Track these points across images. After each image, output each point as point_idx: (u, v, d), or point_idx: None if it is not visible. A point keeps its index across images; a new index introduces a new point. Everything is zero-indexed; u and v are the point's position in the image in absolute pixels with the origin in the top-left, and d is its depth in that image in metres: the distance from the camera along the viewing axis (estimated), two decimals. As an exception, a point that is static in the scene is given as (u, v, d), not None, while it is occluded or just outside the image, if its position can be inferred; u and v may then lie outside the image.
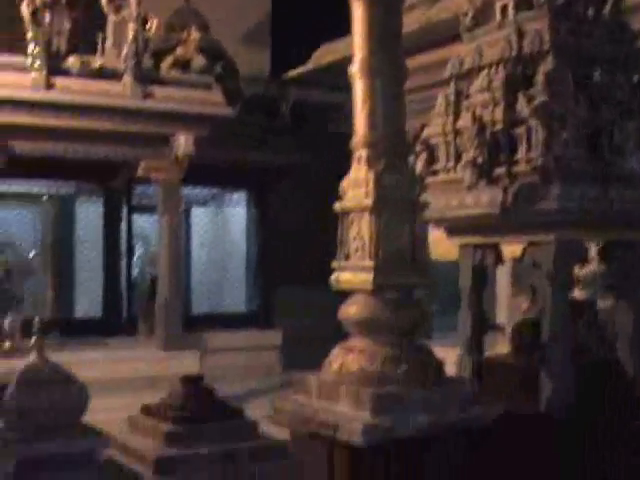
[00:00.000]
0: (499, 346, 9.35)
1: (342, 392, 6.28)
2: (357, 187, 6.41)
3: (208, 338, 14.58)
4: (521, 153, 7.03)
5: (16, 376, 5.25)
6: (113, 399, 10.53)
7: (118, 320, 15.03)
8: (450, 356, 7.49)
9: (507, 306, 12.87)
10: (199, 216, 17.38)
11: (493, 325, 12.03)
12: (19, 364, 5.37)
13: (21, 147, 12.24)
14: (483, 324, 8.06)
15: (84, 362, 10.35)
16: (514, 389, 7.36)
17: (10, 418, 5.23)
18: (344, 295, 6.67)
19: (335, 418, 6.14)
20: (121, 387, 11.83)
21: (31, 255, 16.31)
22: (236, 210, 17.10)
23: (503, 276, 12.77)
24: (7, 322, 12.36)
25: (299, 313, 15.74)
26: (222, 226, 17.39)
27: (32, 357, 5.35)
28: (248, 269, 16.86)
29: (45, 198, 16.29)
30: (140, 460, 5.55)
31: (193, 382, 5.91)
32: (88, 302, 15.58)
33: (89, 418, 5.37)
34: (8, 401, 5.20)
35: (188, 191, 15.47)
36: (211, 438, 5.61)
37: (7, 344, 12.06)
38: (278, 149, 15.32)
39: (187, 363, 12.03)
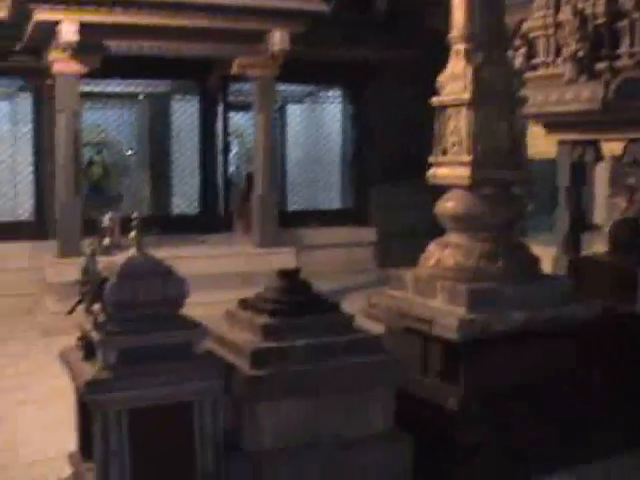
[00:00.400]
0: (596, 246, 9.23)
1: (438, 287, 6.31)
2: (455, 81, 6.33)
3: (303, 235, 14.69)
4: (624, 47, 6.86)
5: (116, 270, 5.33)
6: (210, 295, 10.72)
7: (214, 217, 15.20)
8: (546, 255, 7.43)
9: (605, 205, 12.67)
10: (294, 113, 17.34)
11: (590, 225, 11.89)
12: (119, 259, 5.45)
13: (117, 46, 12.28)
14: (580, 223, 7.98)
15: (182, 258, 10.51)
16: (610, 288, 7.30)
17: (111, 311, 5.32)
18: (440, 191, 6.65)
19: (430, 313, 6.17)
20: (218, 283, 12.00)
21: (128, 154, 16.52)
22: (331, 107, 17.01)
23: (602, 174, 12.56)
24: (106, 219, 12.58)
25: (394, 210, 15.69)
26: (317, 123, 17.33)
27: (131, 252, 5.43)
28: (343, 166, 16.84)
29: (141, 97, 16.41)
30: (237, 353, 5.62)
31: (290, 275, 5.91)
32: (185, 199, 15.75)
33: (187, 312, 5.45)
34: (109, 294, 5.28)
35: (284, 88, 15.44)
36: (307, 331, 5.63)
37: (106, 241, 12.29)
38: (374, 45, 15.12)
39: (282, 259, 12.11)
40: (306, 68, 14.44)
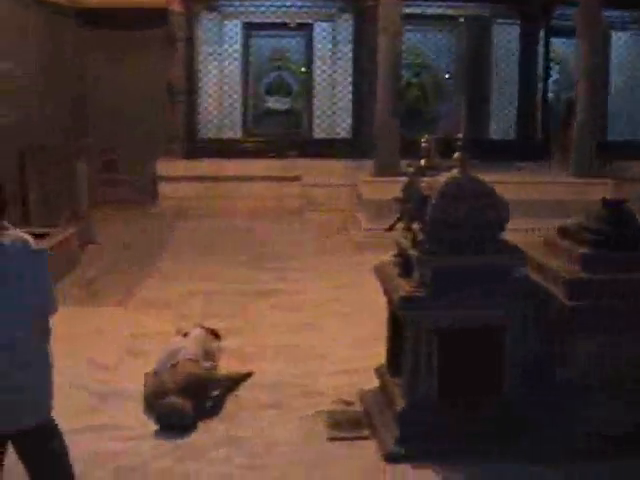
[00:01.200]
0: None
1: None
2: None
3: (621, 167, 14.18)
4: None
5: (438, 189, 5.34)
6: (523, 221, 10.57)
7: (531, 144, 14.99)
8: None
9: None
10: (619, 41, 16.69)
11: None
12: (441, 179, 5.46)
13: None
14: None
15: (497, 183, 10.42)
16: None
17: (431, 229, 5.35)
18: None
19: None
20: (530, 210, 11.83)
21: (446, 77, 16.50)
22: (658, 34, 16.27)
23: None
24: (423, 141, 12.65)
25: None
26: (643, 52, 16.63)
27: (454, 172, 5.43)
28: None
29: (461, 20, 16.27)
30: (554, 281, 5.51)
31: (615, 206, 5.69)
32: (502, 125, 15.59)
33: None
34: (430, 213, 5.30)
35: (608, 14, 14.86)
36: (630, 266, 5.43)
37: (423, 161, 12.34)
38: None
39: (598, 190, 11.74)
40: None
